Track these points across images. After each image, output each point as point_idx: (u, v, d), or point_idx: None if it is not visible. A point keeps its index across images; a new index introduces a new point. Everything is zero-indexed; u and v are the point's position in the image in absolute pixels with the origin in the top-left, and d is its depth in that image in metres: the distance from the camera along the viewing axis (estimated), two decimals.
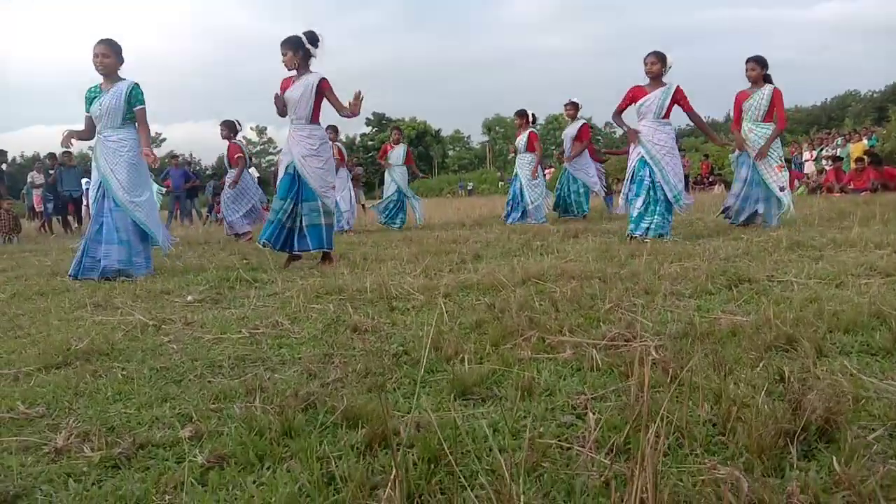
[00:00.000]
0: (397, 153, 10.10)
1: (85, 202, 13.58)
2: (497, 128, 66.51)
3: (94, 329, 3.00)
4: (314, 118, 5.08)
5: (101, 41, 4.84)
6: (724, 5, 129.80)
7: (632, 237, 5.71)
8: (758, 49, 22.54)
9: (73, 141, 5.01)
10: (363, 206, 13.38)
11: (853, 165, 13.84)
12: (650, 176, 5.73)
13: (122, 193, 4.85)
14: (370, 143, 59.49)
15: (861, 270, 3.42)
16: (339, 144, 10.04)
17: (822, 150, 18.76)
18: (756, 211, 6.51)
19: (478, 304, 3.11)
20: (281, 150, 5.51)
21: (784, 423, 1.44)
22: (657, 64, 5.80)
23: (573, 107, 9.60)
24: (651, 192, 5.73)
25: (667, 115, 5.85)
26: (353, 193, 10.92)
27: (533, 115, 9.69)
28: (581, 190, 9.57)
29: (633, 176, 5.88)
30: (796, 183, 14.79)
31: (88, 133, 5.05)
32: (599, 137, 56.77)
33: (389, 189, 10.03)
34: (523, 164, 9.45)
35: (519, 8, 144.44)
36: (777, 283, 3.26)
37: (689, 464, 1.37)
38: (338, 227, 9.04)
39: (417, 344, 2.42)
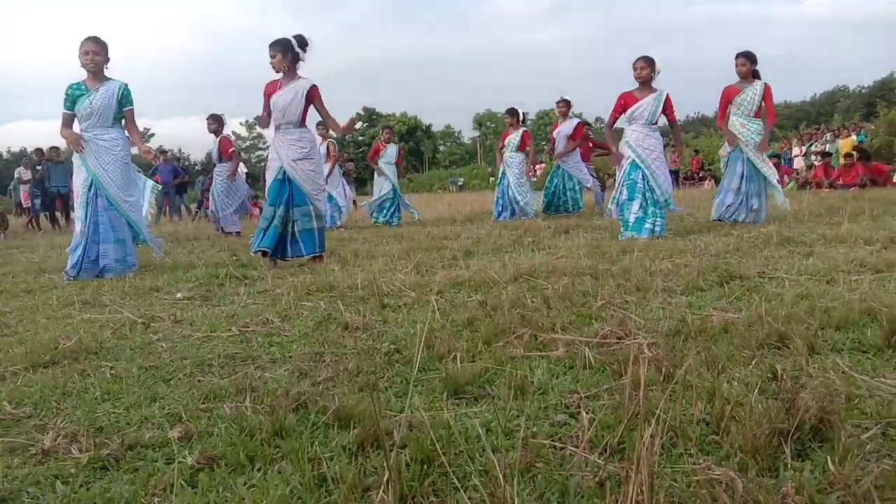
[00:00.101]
0: (390, 152, 10.06)
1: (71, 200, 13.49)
2: (488, 123, 66.41)
3: (83, 327, 2.98)
4: (302, 122, 5.04)
5: (91, 38, 4.78)
6: (715, 1, 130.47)
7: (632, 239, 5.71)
8: (747, 44, 22.71)
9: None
10: (354, 202, 13.33)
11: (842, 161, 13.87)
12: (643, 179, 5.74)
13: (116, 192, 4.84)
14: (360, 138, 59.23)
15: (851, 266, 3.44)
16: (330, 141, 10.01)
17: (811, 145, 18.87)
18: (752, 206, 6.54)
19: (469, 302, 3.09)
20: (269, 145, 5.46)
21: (778, 422, 1.43)
22: (647, 69, 5.80)
23: (565, 104, 9.58)
24: (646, 194, 5.73)
25: (656, 122, 5.92)
26: (347, 189, 10.88)
27: (524, 114, 9.67)
28: (577, 187, 9.55)
29: (624, 180, 5.88)
30: (786, 178, 14.84)
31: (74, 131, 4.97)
32: (591, 133, 56.87)
33: (384, 188, 9.94)
34: (512, 164, 9.42)
35: (510, 2, 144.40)
36: (768, 280, 3.27)
37: (683, 464, 1.36)
38: (329, 223, 9.01)
39: (409, 342, 2.41)
